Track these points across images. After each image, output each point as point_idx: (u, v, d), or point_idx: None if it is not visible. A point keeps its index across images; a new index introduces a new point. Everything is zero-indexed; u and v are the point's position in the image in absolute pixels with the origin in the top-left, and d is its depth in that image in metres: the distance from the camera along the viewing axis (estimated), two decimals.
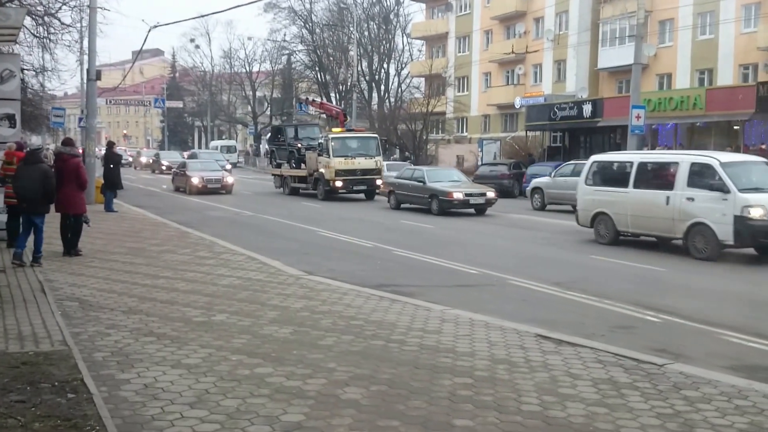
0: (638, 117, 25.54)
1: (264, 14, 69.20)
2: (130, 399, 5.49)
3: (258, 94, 75.76)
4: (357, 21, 55.22)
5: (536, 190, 25.64)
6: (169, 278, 10.62)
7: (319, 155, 27.62)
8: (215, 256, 12.88)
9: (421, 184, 22.78)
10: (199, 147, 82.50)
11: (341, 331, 7.59)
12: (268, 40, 67.06)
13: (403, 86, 61.66)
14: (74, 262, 11.93)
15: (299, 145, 30.39)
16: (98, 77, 23.58)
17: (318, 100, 41.19)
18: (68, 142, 13.22)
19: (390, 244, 15.26)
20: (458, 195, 21.73)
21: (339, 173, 26.95)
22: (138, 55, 38.38)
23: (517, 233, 18.27)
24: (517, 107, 45.38)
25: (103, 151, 25.54)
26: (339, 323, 7.97)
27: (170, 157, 51.34)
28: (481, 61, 50.75)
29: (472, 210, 22.32)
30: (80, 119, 31.66)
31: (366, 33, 60.11)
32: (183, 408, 5.31)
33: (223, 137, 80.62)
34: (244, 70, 74.85)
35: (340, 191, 27.49)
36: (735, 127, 31.44)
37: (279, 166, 32.39)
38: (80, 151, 19.15)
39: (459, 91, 53.94)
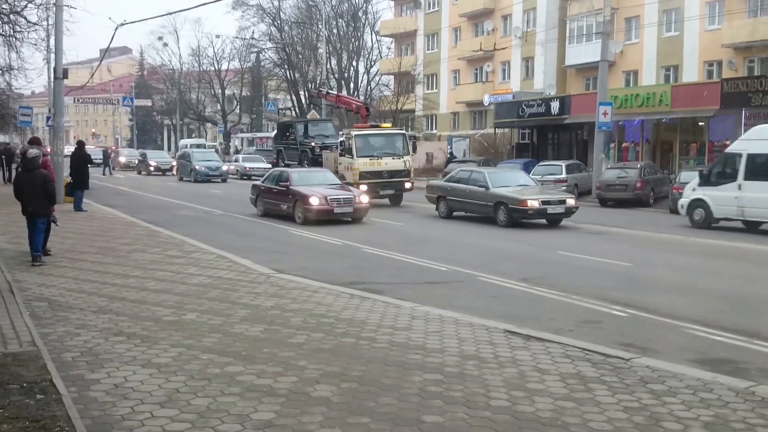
0: (605, 114, 25.94)
1: (232, 12, 68.64)
2: (100, 399, 5.46)
3: (227, 92, 75.21)
4: (326, 18, 55.10)
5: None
6: (139, 277, 10.54)
7: (341, 155, 24.46)
8: (185, 254, 12.80)
9: (483, 189, 19.14)
10: (169, 146, 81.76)
11: (312, 329, 7.62)
12: (237, 38, 66.68)
13: (373, 84, 61.70)
14: (43, 262, 11.77)
15: (313, 144, 27.40)
16: (65, 76, 23.25)
17: (334, 92, 36.39)
18: (35, 141, 13.16)
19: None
20: (533, 203, 17.83)
21: (364, 176, 23.55)
22: (105, 53, 37.74)
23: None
24: (485, 105, 45.66)
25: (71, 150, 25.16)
26: (309, 321, 7.99)
27: (159, 157, 48.62)
28: (450, 58, 50.96)
29: (543, 221, 18.77)
30: (48, 118, 31.14)
31: (335, 30, 60.01)
32: (153, 407, 5.30)
33: (193, 136, 79.90)
34: (212, 68, 74.25)
35: None
36: (700, 124, 32.00)
37: (288, 167, 27.96)
38: (48, 150, 18.87)
39: (428, 89, 54.11)
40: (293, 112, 57.37)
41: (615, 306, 9.39)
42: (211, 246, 13.89)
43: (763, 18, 31.82)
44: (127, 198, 27.42)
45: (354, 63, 61.69)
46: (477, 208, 19.53)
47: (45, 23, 26.70)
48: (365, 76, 61.93)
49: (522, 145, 41.00)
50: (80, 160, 21.18)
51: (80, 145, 22.62)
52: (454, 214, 20.50)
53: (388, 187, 24.14)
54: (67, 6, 23.10)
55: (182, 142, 66.70)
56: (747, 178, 17.48)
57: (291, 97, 62.94)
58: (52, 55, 27.21)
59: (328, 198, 18.51)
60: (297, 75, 60.44)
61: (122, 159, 54.25)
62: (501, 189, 18.95)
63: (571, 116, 35.17)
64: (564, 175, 27.46)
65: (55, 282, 10.15)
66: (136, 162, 50.14)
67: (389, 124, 29.43)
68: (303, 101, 61.53)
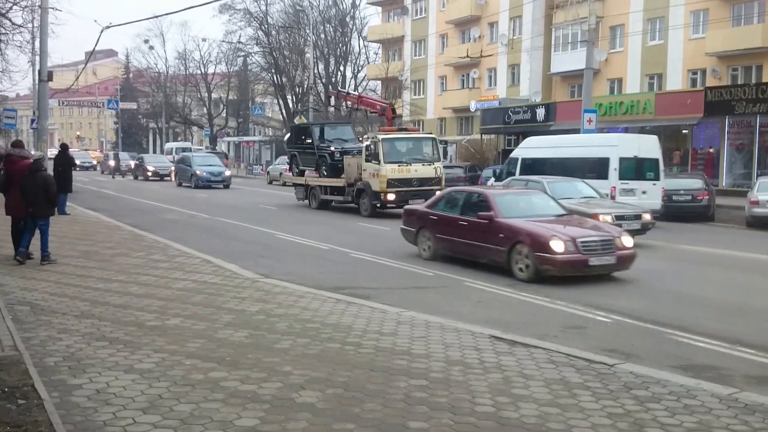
0: (590, 121, 26.07)
1: (219, 15, 68.54)
2: (82, 404, 5.41)
3: (213, 95, 74.99)
4: (313, 23, 55.08)
5: None
6: (122, 282, 10.47)
7: (366, 161, 22.32)
8: (170, 259, 12.72)
9: None
10: (154, 149, 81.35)
11: (297, 334, 7.59)
12: (224, 41, 66.43)
13: (360, 89, 61.74)
14: (25, 266, 11.69)
15: (332, 149, 24.75)
16: (50, 78, 23.10)
17: (355, 93, 32.19)
18: (18, 144, 13.13)
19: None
20: (606, 218, 15.04)
21: (392, 183, 21.60)
22: (91, 55, 37.50)
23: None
24: (472, 111, 45.84)
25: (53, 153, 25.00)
26: (295, 326, 7.96)
27: (157, 162, 46.23)
28: (437, 64, 51.14)
29: None
30: (32, 121, 30.82)
31: (322, 35, 59.98)
32: (135, 413, 5.25)
33: (179, 139, 79.54)
34: (199, 72, 74.02)
35: (389, 205, 22.07)
36: (684, 131, 32.28)
37: (302, 173, 26.51)
38: (31, 153, 18.72)
39: (415, 95, 54.23)
40: (282, 116, 57.30)
41: (599, 312, 9.43)
42: (196, 250, 13.82)
43: (746, 27, 32.17)
44: (111, 201, 27.26)
45: (341, 68, 61.68)
46: None
47: (30, 25, 26.53)
48: (352, 81, 61.96)
49: (508, 151, 40.92)
50: (64, 163, 21.06)
51: (64, 148, 22.49)
52: None
53: (418, 196, 21.03)
54: (53, 8, 22.94)
55: (168, 145, 66.42)
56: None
57: (278, 102, 62.83)
58: (37, 58, 27.03)
59: (579, 242, 11.59)
60: (284, 79, 60.38)
61: (112, 162, 52.96)
62: (564, 201, 15.69)
63: (557, 123, 35.37)
64: None
65: (38, 286, 10.06)
66: (133, 166, 48.08)
67: (416, 128, 27.20)
68: (290, 105, 61.56)
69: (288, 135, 30.63)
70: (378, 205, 22.08)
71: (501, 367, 6.57)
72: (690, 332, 8.41)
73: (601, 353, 7.26)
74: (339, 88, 37.98)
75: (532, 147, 22.55)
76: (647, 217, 15.99)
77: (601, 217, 14.76)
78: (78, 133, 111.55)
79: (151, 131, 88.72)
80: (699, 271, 13.25)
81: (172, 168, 42.79)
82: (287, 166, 31.20)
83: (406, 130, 25.12)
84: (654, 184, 19.50)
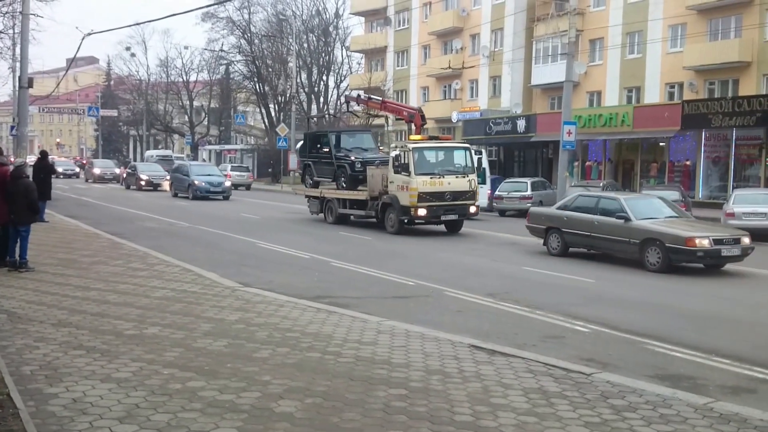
0: (569, 133, 26.31)
1: (202, 24, 68.14)
2: (58, 414, 5.37)
3: (195, 103, 74.75)
4: (296, 33, 55.20)
5: None
6: (100, 290, 10.39)
7: (396, 173, 20.12)
8: (149, 267, 12.65)
9: (621, 221, 14.91)
10: (134, 157, 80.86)
11: (277, 344, 7.57)
12: (206, 49, 66.33)
13: (342, 99, 61.86)
14: (2, 273, 11.57)
15: (353, 159, 22.51)
16: (30, 85, 22.94)
17: (378, 97, 28.90)
18: None
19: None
20: (703, 242, 13.75)
21: (423, 197, 19.57)
22: (72, 62, 37.29)
23: None
24: (454, 121, 46.06)
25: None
26: (275, 335, 7.94)
27: (151, 170, 43.21)
28: (419, 75, 51.40)
29: (701, 264, 14.38)
30: (12, 127, 30.51)
31: (305, 45, 60.12)
32: (112, 423, 5.22)
33: (159, 147, 79.18)
34: (181, 80, 73.78)
35: (418, 221, 20.46)
36: (661, 144, 32.66)
37: (316, 184, 24.18)
38: (11, 160, 18.58)
39: None
40: (264, 124, 57.15)
41: (577, 321, 9.50)
42: (176, 259, 13.75)
43: (723, 41, 32.67)
44: (91, 209, 27.03)
45: (324, 77, 61.86)
46: (611, 245, 15.27)
47: (11, 32, 26.37)
48: (335, 91, 62.11)
49: (489, 162, 41.37)
50: (43, 170, 20.90)
51: (43, 155, 22.31)
52: (570, 249, 16.33)
53: (451, 212, 20.15)
54: (34, 15, 22.88)
55: (148, 153, 66.06)
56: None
57: (260, 110, 62.77)
58: (18, 64, 26.86)
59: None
60: (267, 88, 60.36)
61: (96, 171, 50.87)
62: (648, 222, 14.82)
63: (537, 135, 35.67)
64: (529, 192, 27.87)
65: (15, 294, 9.96)
66: (125, 174, 45.40)
67: (450, 137, 24.61)
68: (273, 114, 61.52)
69: (301, 143, 27.83)
70: (406, 220, 20.21)
71: (480, 376, 6.60)
72: (666, 342, 8.50)
73: (578, 362, 7.32)
74: (359, 93, 34.72)
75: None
76: (746, 240, 14.31)
77: (697, 241, 13.76)
78: (58, 140, 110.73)
79: (131, 139, 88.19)
80: (675, 281, 13.38)
81: (167, 177, 40.75)
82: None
83: (437, 138, 23.19)
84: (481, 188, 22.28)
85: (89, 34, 31.59)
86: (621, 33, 36.71)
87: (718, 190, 30.09)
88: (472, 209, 20.43)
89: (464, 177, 20.33)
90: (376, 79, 52.11)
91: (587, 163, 35.26)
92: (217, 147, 66.69)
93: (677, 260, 14.15)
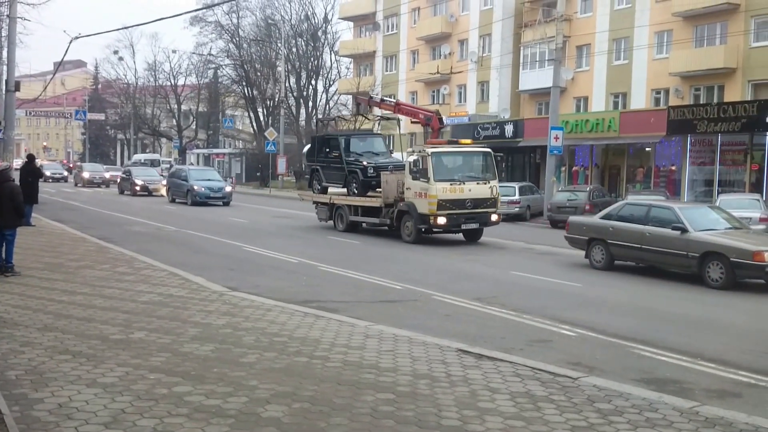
0: (557, 138, 26.46)
1: (190, 27, 67.96)
2: (44, 419, 5.33)
3: (183, 107, 74.52)
4: (285, 37, 55.14)
5: None
6: (86, 295, 10.33)
7: (414, 179, 19.12)
8: (135, 271, 12.59)
9: (677, 233, 13.79)
10: (122, 160, 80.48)
11: (264, 348, 7.55)
12: (194, 53, 66.16)
13: (331, 103, 61.86)
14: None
15: (365, 163, 21.32)
16: (17, 88, 22.86)
17: (392, 99, 27.54)
18: None
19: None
20: None
21: (443, 205, 18.59)
22: (59, 66, 37.17)
23: None
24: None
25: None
26: (262, 340, 7.92)
27: (146, 175, 41.37)
28: (408, 80, 51.49)
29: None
30: None
31: (294, 49, 60.10)
32: (98, 428, 5.19)
33: (147, 151, 78.82)
34: (169, 83, 73.53)
35: (436, 230, 19.60)
36: (647, 149, 32.86)
37: (324, 190, 23.14)
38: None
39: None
40: (252, 128, 56.98)
41: (564, 325, 9.54)
42: (163, 263, 13.69)
43: (709, 48, 32.91)
44: (78, 213, 26.87)
45: (313, 82, 61.83)
46: (665, 258, 14.19)
47: None
48: (324, 95, 62.14)
49: None
50: (31, 174, 20.80)
51: (30, 158, 22.20)
52: (615, 262, 15.19)
53: (472, 220, 19.27)
54: (21, 18, 22.79)
55: (135, 157, 65.74)
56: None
57: (249, 114, 62.65)
58: (5, 68, 26.68)
59: None
60: (255, 92, 60.27)
61: (86, 174, 49.34)
62: (708, 234, 13.76)
63: (525, 139, 35.81)
64: (517, 197, 28.02)
65: (1, 298, 9.88)
66: (119, 179, 43.22)
67: (469, 140, 23.20)
68: (261, 118, 61.42)
69: (307, 147, 26.03)
70: (424, 229, 19.24)
71: (467, 380, 6.61)
72: (652, 346, 8.55)
73: (565, 366, 7.34)
74: (371, 95, 32.16)
75: None
76: None
77: (766, 256, 12.74)
78: (45, 143, 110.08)
79: (119, 142, 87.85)
80: (661, 286, 13.46)
81: (163, 182, 39.33)
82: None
83: (456, 142, 22.06)
84: None
85: (77, 37, 31.46)
86: (607, 39, 36.93)
87: (703, 196, 30.27)
88: (494, 217, 19.53)
89: (485, 183, 19.34)
90: (365, 83, 52.15)
91: (574, 168, 35.42)
92: (205, 151, 66.50)
93: (742, 276, 13.19)
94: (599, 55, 37.47)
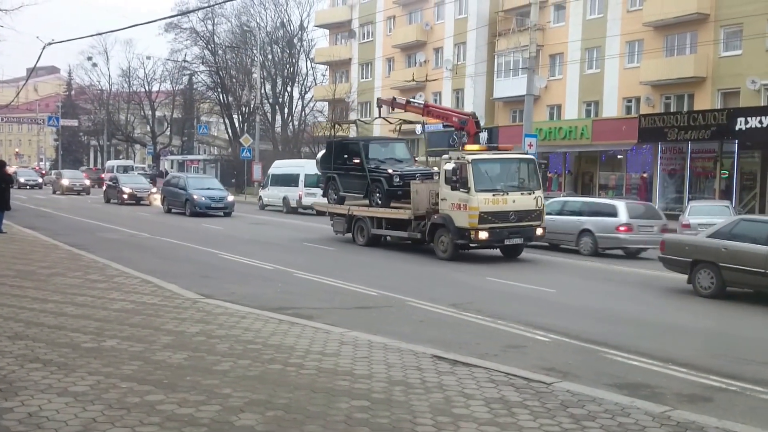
0: (530, 145, 26.67)
1: (165, 34, 67.53)
2: (13, 429, 5.24)
3: (158, 113, 73.98)
4: (261, 44, 55.03)
5: None
6: (58, 302, 10.18)
7: (453, 189, 17.17)
8: (108, 279, 12.44)
9: None
10: (95, 166, 79.59)
11: (238, 356, 7.50)
12: (169, 60, 65.74)
13: (307, 110, 61.87)
14: None
15: (390, 172, 19.47)
16: None
17: (420, 101, 25.06)
18: None
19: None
20: None
21: (484, 218, 16.81)
22: (32, 72, 36.68)
23: None
24: (417, 133, 46.14)
25: None
26: (236, 347, 7.87)
27: (134, 182, 39.27)
28: (383, 87, 51.58)
29: None
30: None
31: (270, 56, 60.04)
32: None
33: (120, 157, 78.10)
34: (143, 90, 72.98)
35: (475, 246, 17.58)
36: (619, 156, 33.29)
37: (341, 200, 21.31)
38: None
39: (362, 116, 54.51)
40: (228, 135, 56.71)
41: (538, 331, 9.60)
42: (136, 270, 13.55)
43: (679, 57, 33.45)
44: (50, 220, 26.51)
45: (289, 89, 61.79)
46: None
47: None
48: (300, 102, 62.12)
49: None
50: (2, 180, 20.55)
51: (1, 164, 21.91)
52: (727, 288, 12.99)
53: (516, 235, 17.49)
54: None
55: (109, 163, 65.10)
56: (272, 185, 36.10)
57: (224, 121, 62.39)
58: None
59: None
60: (230, 99, 60.05)
61: (65, 182, 48.13)
62: None
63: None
64: None
65: None
66: (105, 187, 40.73)
67: (511, 146, 20.95)
68: (237, 125, 61.17)
69: (322, 153, 23.82)
70: (462, 244, 17.33)
71: (442, 386, 6.62)
72: (624, 351, 8.64)
73: (539, 372, 7.39)
74: (395, 97, 28.62)
75: (278, 167, 36.84)
76: None
77: None
78: (17, 149, 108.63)
79: (92, 149, 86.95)
80: (635, 291, 13.61)
81: (153, 190, 37.87)
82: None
83: (496, 148, 20.09)
84: None
85: (50, 43, 31.12)
86: (580, 48, 37.39)
87: (674, 202, 30.73)
88: (539, 231, 17.77)
89: (530, 194, 17.56)
90: (341, 90, 52.24)
91: (548, 175, 35.75)
92: (179, 157, 66.05)
93: None
94: (572, 64, 37.90)
